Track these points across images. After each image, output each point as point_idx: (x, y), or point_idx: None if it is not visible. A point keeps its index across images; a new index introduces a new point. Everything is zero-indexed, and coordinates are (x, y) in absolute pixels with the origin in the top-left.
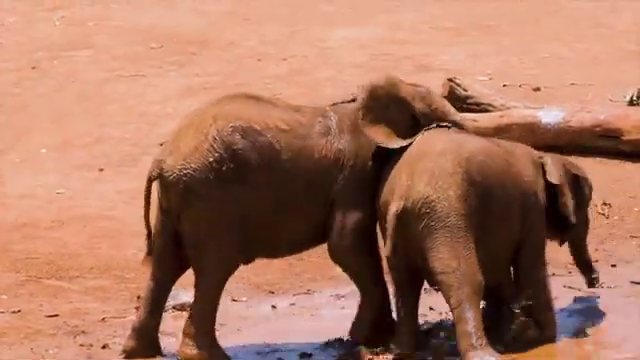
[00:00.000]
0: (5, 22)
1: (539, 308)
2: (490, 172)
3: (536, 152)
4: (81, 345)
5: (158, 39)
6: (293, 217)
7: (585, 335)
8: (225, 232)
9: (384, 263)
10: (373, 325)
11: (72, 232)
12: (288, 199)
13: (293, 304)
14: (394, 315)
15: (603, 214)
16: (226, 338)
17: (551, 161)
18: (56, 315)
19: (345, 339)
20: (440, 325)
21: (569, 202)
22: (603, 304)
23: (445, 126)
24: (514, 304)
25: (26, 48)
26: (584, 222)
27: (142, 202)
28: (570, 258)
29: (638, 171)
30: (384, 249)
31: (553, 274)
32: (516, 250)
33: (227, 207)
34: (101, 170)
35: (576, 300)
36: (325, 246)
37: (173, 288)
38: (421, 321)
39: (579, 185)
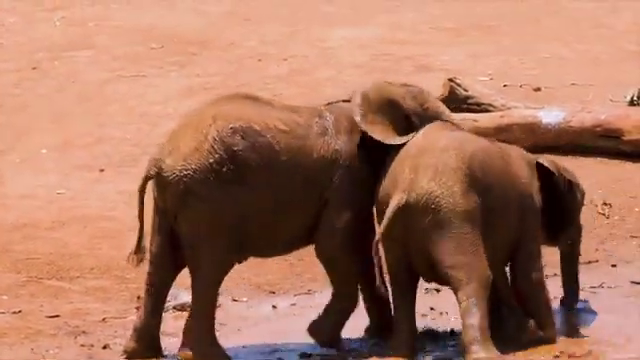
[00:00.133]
0: (5, 22)
1: (537, 308)
2: (490, 171)
3: (529, 154)
4: (82, 345)
5: (159, 39)
6: (291, 217)
7: (585, 335)
8: (223, 233)
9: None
10: (337, 329)
11: (73, 232)
12: (287, 199)
13: (294, 304)
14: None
15: (603, 214)
16: (227, 338)
17: (545, 160)
18: (57, 315)
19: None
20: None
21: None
22: (603, 304)
23: (446, 121)
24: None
25: (26, 48)
26: (577, 231)
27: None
28: None
29: (638, 171)
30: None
31: (554, 274)
32: (512, 251)
33: (226, 208)
34: (102, 170)
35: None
36: None
37: (173, 288)
38: (421, 321)
39: (572, 190)
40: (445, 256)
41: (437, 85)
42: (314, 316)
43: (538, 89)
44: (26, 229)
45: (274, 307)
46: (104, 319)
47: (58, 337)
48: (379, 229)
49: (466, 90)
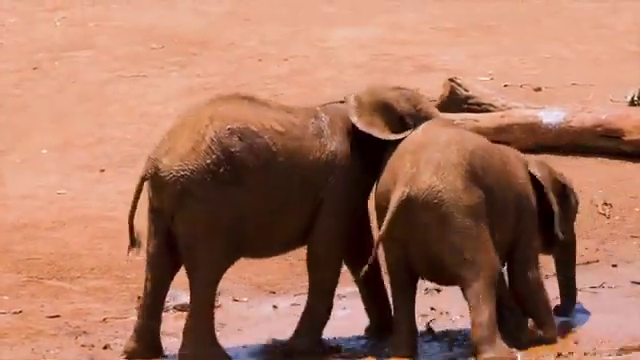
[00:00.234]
0: (6, 23)
1: (536, 309)
2: (490, 169)
3: (524, 156)
4: (82, 346)
5: (159, 39)
6: (287, 217)
7: (586, 335)
8: (220, 233)
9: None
10: (316, 336)
11: (73, 233)
12: (283, 200)
13: (294, 304)
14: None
15: (604, 214)
16: (227, 338)
17: (535, 164)
18: (57, 316)
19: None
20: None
21: (553, 202)
22: (604, 304)
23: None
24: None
25: (27, 49)
26: (571, 237)
27: (143, 203)
28: None
29: (639, 171)
30: (380, 232)
31: (554, 274)
32: (509, 252)
33: (223, 209)
34: (102, 171)
35: (577, 300)
36: None
37: (173, 288)
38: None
39: (566, 194)
40: (449, 253)
41: (437, 85)
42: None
43: (539, 89)
44: (27, 229)
45: (275, 307)
46: (105, 319)
47: (59, 337)
48: (383, 226)
49: (467, 90)
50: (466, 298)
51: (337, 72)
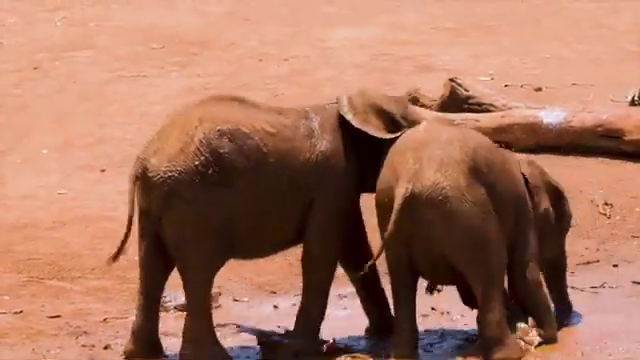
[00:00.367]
0: (6, 23)
1: (536, 308)
2: (492, 167)
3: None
4: (83, 346)
5: (159, 39)
6: (278, 218)
7: (586, 335)
8: (208, 235)
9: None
10: (313, 336)
11: (74, 233)
12: (273, 201)
13: (295, 304)
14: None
15: (605, 214)
16: (228, 338)
17: (525, 163)
18: (58, 316)
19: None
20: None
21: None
22: (605, 304)
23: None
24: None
25: (27, 49)
26: (562, 251)
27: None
28: (572, 258)
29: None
30: (385, 233)
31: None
32: (508, 252)
33: (212, 210)
34: (103, 171)
35: (578, 300)
36: None
37: (174, 289)
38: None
39: (559, 197)
40: (455, 251)
41: (438, 85)
42: None
43: (539, 89)
44: (27, 229)
45: (275, 307)
46: (105, 319)
47: (59, 337)
48: (390, 224)
49: (467, 90)
50: (475, 292)
51: (337, 72)
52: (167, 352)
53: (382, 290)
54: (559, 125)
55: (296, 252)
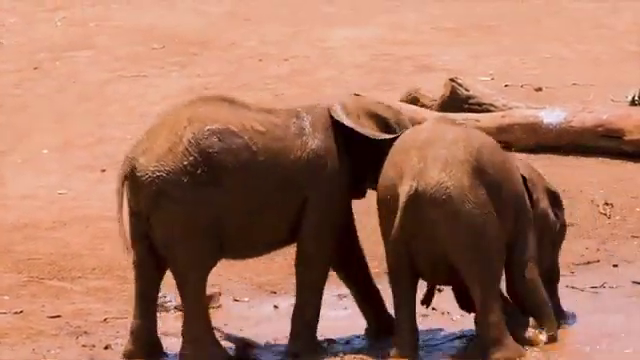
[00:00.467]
0: (6, 23)
1: (536, 308)
2: (495, 167)
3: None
4: (83, 346)
5: (159, 39)
6: (269, 217)
7: (586, 335)
8: (197, 235)
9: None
10: (311, 336)
11: (74, 233)
12: (264, 200)
13: None
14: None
15: (605, 214)
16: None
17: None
18: (58, 316)
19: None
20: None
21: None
22: (605, 304)
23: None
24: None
25: (27, 49)
26: (555, 263)
27: None
28: (572, 258)
29: None
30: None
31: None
32: (508, 252)
33: (200, 210)
34: (103, 171)
35: (578, 300)
36: None
37: (174, 289)
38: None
39: (556, 202)
40: (457, 251)
41: (438, 85)
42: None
43: (539, 89)
44: (27, 229)
45: (275, 307)
46: (106, 319)
47: (60, 337)
48: (395, 222)
49: (467, 90)
50: (473, 294)
51: (338, 72)
52: (167, 352)
53: (377, 291)
54: (559, 125)
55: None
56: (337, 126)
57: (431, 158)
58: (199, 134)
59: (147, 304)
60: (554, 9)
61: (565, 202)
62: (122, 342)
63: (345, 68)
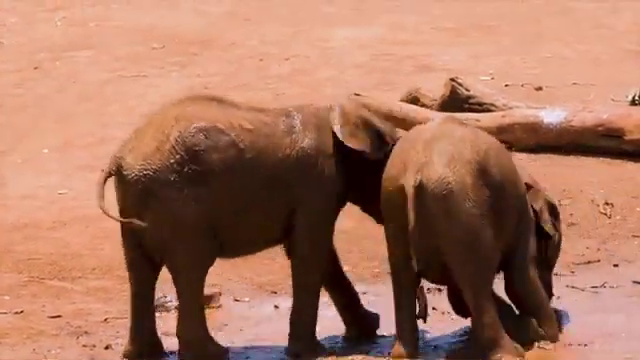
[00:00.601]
0: (6, 23)
1: (537, 309)
2: (501, 169)
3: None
4: (84, 346)
5: (159, 39)
6: (258, 215)
7: (586, 335)
8: (192, 233)
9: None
10: (311, 337)
11: (74, 233)
12: (251, 198)
13: None
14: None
15: (605, 214)
16: (228, 338)
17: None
18: (59, 316)
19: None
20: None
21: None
22: (605, 304)
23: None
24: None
25: (27, 49)
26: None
27: None
28: (573, 258)
29: None
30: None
31: (556, 274)
32: (509, 253)
33: (189, 208)
34: (103, 171)
35: (578, 300)
36: None
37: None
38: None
39: (553, 213)
40: (452, 248)
41: (439, 85)
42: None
43: (539, 89)
44: (28, 229)
45: (276, 307)
46: (106, 319)
47: (60, 337)
48: (410, 218)
49: (468, 90)
50: (465, 296)
51: (338, 72)
52: (167, 351)
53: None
54: (560, 125)
55: None
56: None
57: (437, 152)
58: (186, 132)
59: (144, 304)
60: (554, 9)
61: (566, 202)
62: (122, 342)
63: (345, 68)
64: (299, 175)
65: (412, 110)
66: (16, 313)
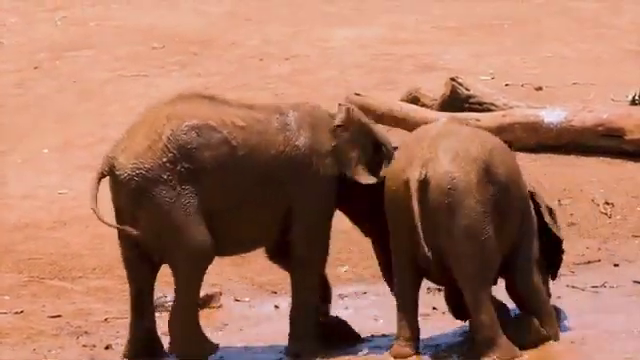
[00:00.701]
0: (6, 22)
1: (538, 309)
2: (506, 169)
3: None
4: (84, 346)
5: (160, 39)
6: (252, 213)
7: (587, 335)
8: (180, 232)
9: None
10: (313, 336)
11: (74, 232)
12: (245, 196)
13: None
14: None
15: (605, 213)
16: (228, 338)
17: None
18: (59, 316)
19: None
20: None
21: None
22: (606, 304)
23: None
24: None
25: (27, 48)
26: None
27: None
28: (573, 258)
29: None
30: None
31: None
32: (511, 253)
33: (180, 207)
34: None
35: (579, 300)
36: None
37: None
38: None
39: (552, 218)
40: (452, 245)
41: (439, 84)
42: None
43: (540, 88)
44: (28, 229)
45: (276, 307)
46: (106, 319)
47: (60, 337)
48: (415, 213)
49: (468, 89)
50: (464, 291)
51: (338, 72)
52: (167, 351)
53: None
54: (560, 124)
55: None
56: (325, 123)
57: (442, 149)
58: (177, 130)
59: (143, 304)
60: (555, 9)
61: (566, 202)
62: (122, 342)
63: (346, 68)
64: (292, 173)
65: (412, 110)
66: (16, 313)
